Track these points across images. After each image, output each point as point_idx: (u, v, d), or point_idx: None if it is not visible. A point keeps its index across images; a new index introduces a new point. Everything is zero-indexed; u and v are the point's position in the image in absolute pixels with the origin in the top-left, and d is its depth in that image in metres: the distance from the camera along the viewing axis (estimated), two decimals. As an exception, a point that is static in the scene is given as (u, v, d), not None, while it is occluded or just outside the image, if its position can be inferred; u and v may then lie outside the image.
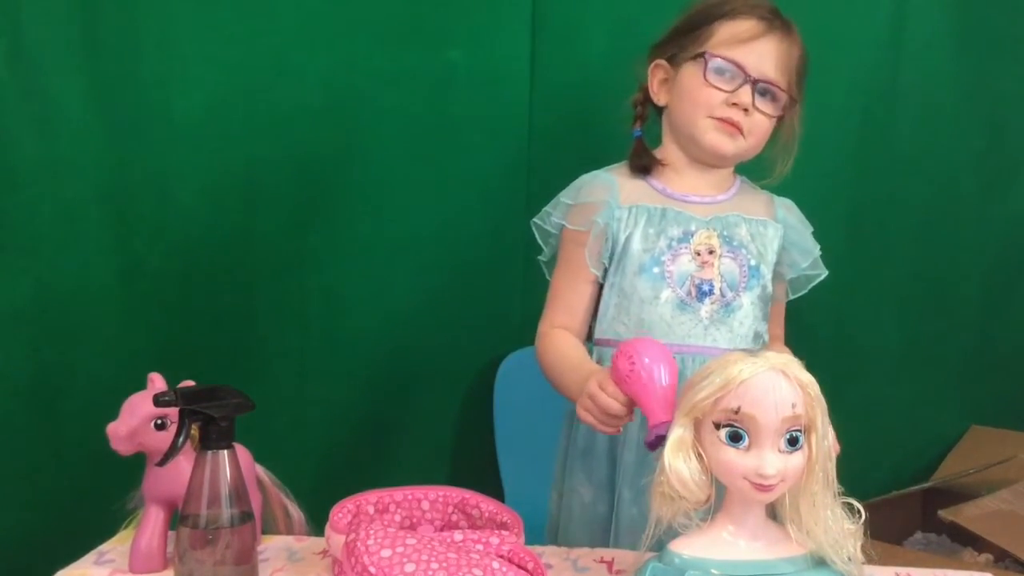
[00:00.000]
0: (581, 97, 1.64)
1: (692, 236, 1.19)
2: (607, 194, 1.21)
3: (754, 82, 1.17)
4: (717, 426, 0.82)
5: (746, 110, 1.17)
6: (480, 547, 0.92)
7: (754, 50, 1.17)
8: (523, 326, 1.74)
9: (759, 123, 1.19)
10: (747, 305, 1.20)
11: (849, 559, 0.85)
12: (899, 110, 1.75)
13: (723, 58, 1.17)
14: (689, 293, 1.18)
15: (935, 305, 1.88)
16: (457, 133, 1.63)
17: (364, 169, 1.61)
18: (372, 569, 0.85)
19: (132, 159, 1.53)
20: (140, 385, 1.00)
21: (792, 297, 1.29)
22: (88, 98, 1.49)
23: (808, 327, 1.77)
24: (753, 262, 1.21)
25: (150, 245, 1.56)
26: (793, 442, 0.82)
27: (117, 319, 1.56)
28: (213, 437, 0.91)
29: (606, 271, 1.21)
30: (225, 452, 0.91)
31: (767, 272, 1.22)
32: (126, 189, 1.54)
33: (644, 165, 1.24)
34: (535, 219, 1.27)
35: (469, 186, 1.66)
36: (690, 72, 1.19)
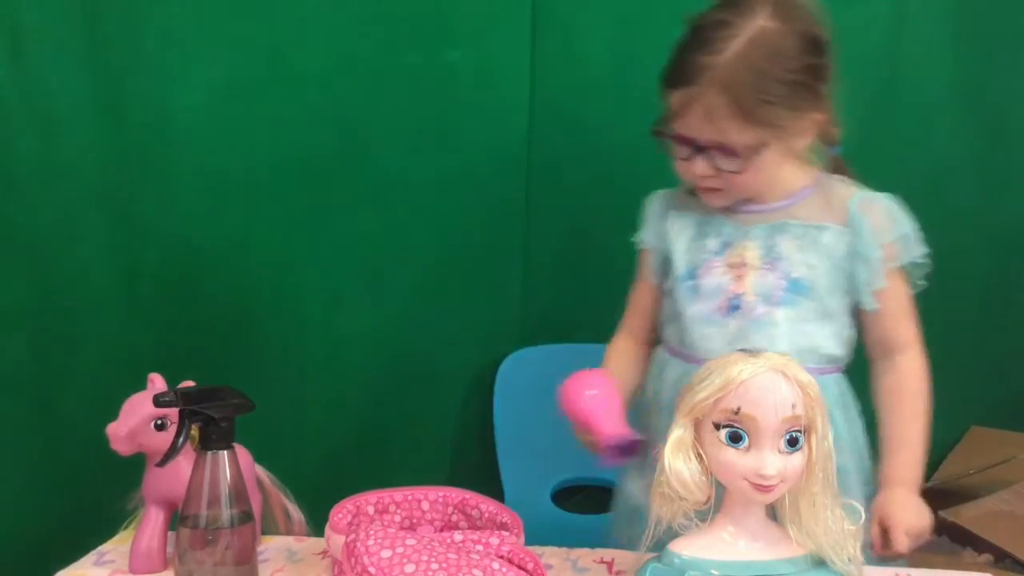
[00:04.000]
0: (581, 97, 1.64)
1: (727, 248, 1.16)
2: (658, 207, 1.23)
3: (705, 149, 1.10)
4: (717, 427, 0.82)
5: (708, 176, 1.11)
6: (480, 548, 0.91)
7: (686, 123, 1.09)
8: (523, 326, 1.74)
9: (732, 178, 1.11)
10: (783, 322, 1.12)
11: (849, 560, 0.85)
12: (899, 110, 1.75)
13: (666, 135, 1.12)
14: (720, 308, 1.14)
15: (935, 305, 1.87)
16: (457, 133, 1.63)
17: (364, 169, 1.61)
18: (372, 570, 0.85)
19: (132, 159, 1.53)
20: (140, 385, 1.00)
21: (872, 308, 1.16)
22: (88, 98, 1.49)
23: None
24: (796, 274, 1.13)
25: (150, 245, 1.56)
26: (793, 443, 0.82)
27: (117, 319, 1.56)
28: (213, 438, 0.91)
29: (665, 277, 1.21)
30: (225, 452, 0.91)
31: (822, 283, 1.13)
32: (126, 189, 1.54)
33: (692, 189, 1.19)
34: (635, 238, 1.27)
35: (469, 186, 1.65)
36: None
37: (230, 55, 1.53)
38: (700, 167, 1.11)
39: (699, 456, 0.84)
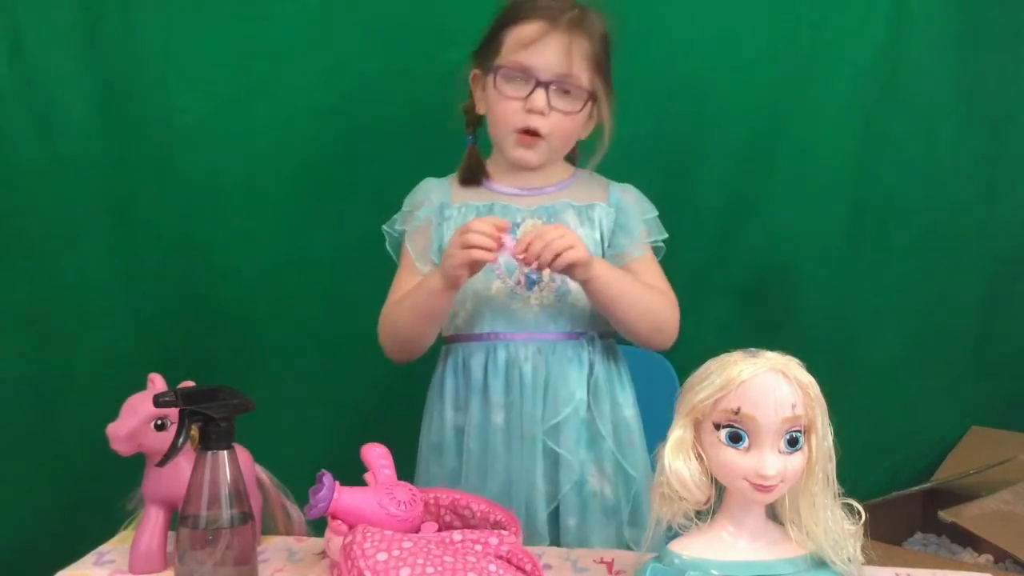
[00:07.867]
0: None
1: (518, 227, 1.23)
2: (436, 195, 1.30)
3: (546, 84, 1.20)
4: (717, 427, 0.82)
5: (543, 112, 1.21)
6: (479, 547, 0.91)
7: (540, 51, 1.20)
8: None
9: (559, 124, 1.23)
10: (576, 289, 1.22)
11: (849, 560, 0.85)
12: (899, 110, 1.75)
13: (509, 66, 1.21)
14: (519, 283, 1.23)
15: (935, 305, 1.88)
16: (457, 133, 1.63)
17: (364, 169, 1.61)
18: (368, 573, 0.84)
19: (132, 159, 1.53)
20: (140, 385, 1.00)
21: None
22: (88, 98, 1.49)
23: (808, 327, 1.78)
24: None
25: (150, 245, 1.56)
26: (793, 443, 0.82)
27: (117, 319, 1.56)
28: (213, 438, 0.91)
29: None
30: (225, 453, 0.91)
31: (597, 253, 1.24)
32: (126, 189, 1.54)
33: (474, 178, 1.30)
34: (385, 226, 1.33)
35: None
36: (490, 84, 1.24)
37: (230, 55, 1.53)
38: (539, 100, 1.20)
39: (699, 456, 0.84)
